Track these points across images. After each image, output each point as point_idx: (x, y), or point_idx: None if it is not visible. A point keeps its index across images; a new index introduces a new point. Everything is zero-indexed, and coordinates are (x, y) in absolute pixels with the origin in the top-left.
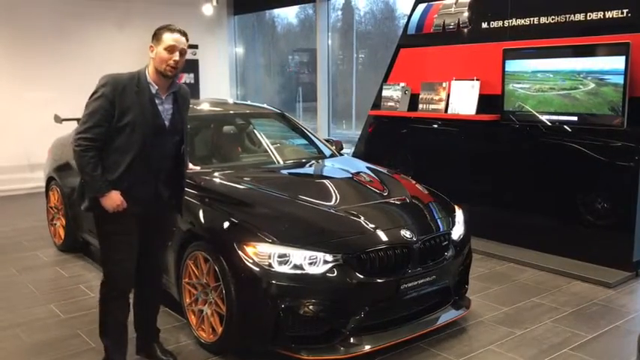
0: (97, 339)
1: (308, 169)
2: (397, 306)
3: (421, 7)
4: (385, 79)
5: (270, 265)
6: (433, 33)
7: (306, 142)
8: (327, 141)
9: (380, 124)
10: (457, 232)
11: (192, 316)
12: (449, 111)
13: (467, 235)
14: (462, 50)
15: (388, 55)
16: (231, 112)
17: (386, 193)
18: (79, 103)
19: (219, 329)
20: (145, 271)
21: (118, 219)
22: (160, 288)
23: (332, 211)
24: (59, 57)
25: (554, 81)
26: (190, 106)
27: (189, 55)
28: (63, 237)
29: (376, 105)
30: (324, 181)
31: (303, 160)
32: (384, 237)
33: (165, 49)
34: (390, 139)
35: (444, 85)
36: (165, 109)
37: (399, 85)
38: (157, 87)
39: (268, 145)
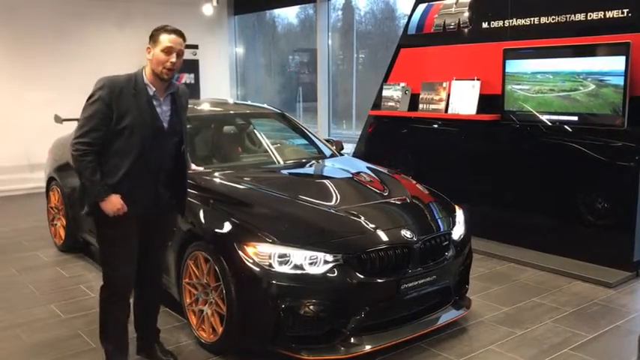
0: (97, 339)
1: (308, 169)
2: (397, 306)
3: (421, 7)
4: (385, 79)
5: (270, 265)
6: (433, 33)
7: (306, 142)
8: (328, 141)
9: (380, 124)
10: (457, 232)
11: (193, 316)
12: (449, 111)
13: (467, 235)
14: (463, 50)
15: (388, 55)
16: (232, 112)
17: (386, 193)
18: (79, 103)
19: (220, 329)
20: (145, 272)
21: (118, 223)
22: (160, 288)
23: (332, 211)
24: (59, 57)
25: (554, 82)
26: (190, 106)
27: (189, 56)
28: (63, 237)
29: (376, 105)
30: (325, 181)
31: (304, 160)
32: (384, 237)
33: (162, 50)
34: (391, 139)
35: (444, 85)
36: (164, 110)
37: (399, 85)
38: (154, 89)
39: (268, 145)
